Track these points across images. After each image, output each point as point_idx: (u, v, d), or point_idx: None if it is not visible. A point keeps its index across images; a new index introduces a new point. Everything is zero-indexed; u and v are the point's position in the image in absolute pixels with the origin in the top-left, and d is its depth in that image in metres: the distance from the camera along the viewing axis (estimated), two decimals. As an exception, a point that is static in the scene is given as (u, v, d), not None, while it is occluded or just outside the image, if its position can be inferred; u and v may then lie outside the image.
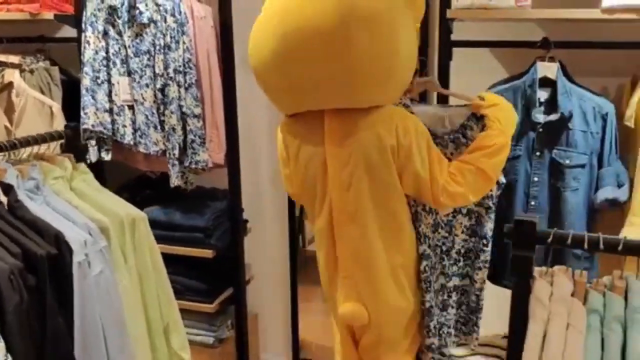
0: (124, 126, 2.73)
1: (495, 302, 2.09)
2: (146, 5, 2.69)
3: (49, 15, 2.86)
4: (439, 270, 1.94)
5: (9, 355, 1.34)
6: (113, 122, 2.75)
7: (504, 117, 1.87)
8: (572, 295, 1.25)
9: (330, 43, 1.57)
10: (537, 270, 1.28)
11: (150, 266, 1.84)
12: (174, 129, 2.64)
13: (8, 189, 1.63)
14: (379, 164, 1.67)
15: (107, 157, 2.78)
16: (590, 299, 1.25)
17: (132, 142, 2.74)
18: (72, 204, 1.75)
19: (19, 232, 1.54)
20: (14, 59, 2.91)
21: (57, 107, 2.79)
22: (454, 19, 2.46)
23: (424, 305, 1.87)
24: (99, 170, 3.06)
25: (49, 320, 1.48)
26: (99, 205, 1.80)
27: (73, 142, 1.97)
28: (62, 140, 1.97)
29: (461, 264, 1.97)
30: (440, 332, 1.95)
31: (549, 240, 1.23)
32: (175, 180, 2.67)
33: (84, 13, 2.76)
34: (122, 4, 2.72)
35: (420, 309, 1.88)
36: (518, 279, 1.26)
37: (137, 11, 2.68)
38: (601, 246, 1.19)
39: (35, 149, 1.92)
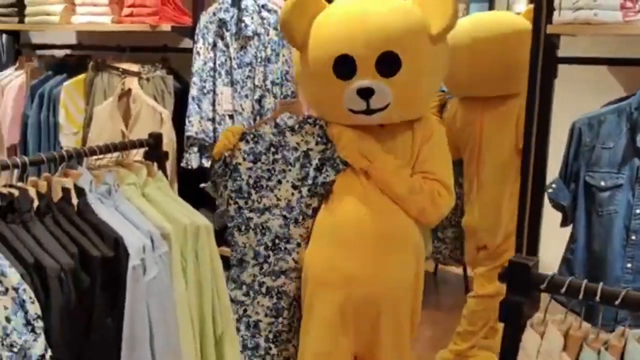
0: (224, 135, 2.84)
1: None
2: (252, 18, 2.78)
3: (166, 27, 3.05)
4: None
5: (49, 350, 1.44)
6: (214, 130, 2.88)
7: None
8: (565, 349, 1.13)
9: None
10: (536, 317, 1.17)
11: (209, 275, 1.89)
12: (267, 140, 2.71)
13: (80, 192, 1.75)
14: None
15: (207, 164, 2.91)
16: (582, 357, 1.11)
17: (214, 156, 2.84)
18: (141, 210, 1.84)
19: (81, 233, 1.65)
20: (135, 67, 3.13)
21: (166, 113, 2.97)
22: (557, 34, 2.30)
23: None
24: (203, 176, 3.22)
25: (95, 319, 1.57)
26: (166, 213, 1.87)
27: (155, 150, 2.07)
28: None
29: None
30: None
31: (543, 286, 1.12)
32: (264, 190, 2.73)
33: (198, 25, 2.91)
34: (232, 17, 2.84)
35: None
36: (508, 327, 1.16)
37: (243, 24, 2.78)
38: (597, 298, 1.07)
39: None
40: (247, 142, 2.10)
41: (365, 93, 1.93)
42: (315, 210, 2.08)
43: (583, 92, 2.55)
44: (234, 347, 1.95)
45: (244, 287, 2.14)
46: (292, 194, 2.08)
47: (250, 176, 2.09)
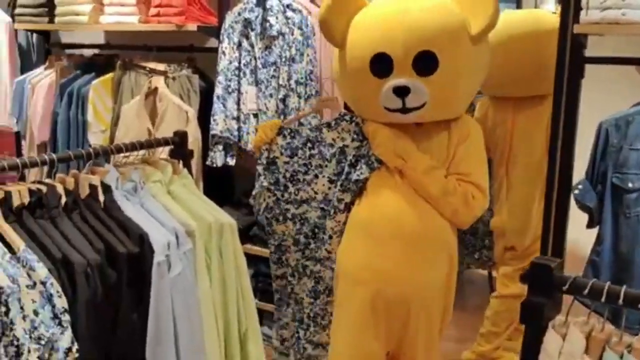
0: (248, 133, 2.86)
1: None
2: (277, 18, 2.79)
3: (192, 27, 3.07)
4: None
5: (75, 343, 1.46)
6: (239, 129, 2.89)
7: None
8: (587, 352, 1.11)
9: None
10: (557, 319, 1.15)
11: (233, 272, 1.91)
12: (291, 139, 2.73)
13: (107, 189, 1.78)
14: None
15: (231, 162, 2.93)
16: (604, 359, 1.10)
17: (253, 150, 2.85)
18: (166, 207, 1.87)
19: (108, 230, 1.68)
20: (161, 66, 3.16)
21: (192, 112, 2.99)
22: (585, 34, 2.27)
23: None
24: (228, 174, 3.25)
25: (121, 314, 1.60)
26: (191, 210, 1.90)
27: (180, 148, 2.10)
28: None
29: None
30: None
31: (565, 287, 1.11)
32: (288, 189, 2.74)
33: (223, 25, 2.93)
34: (257, 17, 2.85)
35: None
36: (529, 327, 1.15)
37: (268, 24, 2.80)
38: (620, 301, 1.05)
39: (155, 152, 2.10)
40: (284, 136, 2.17)
41: (401, 91, 1.93)
42: (347, 205, 2.11)
43: (611, 93, 2.52)
44: (258, 345, 1.97)
45: (289, 268, 2.25)
46: (329, 188, 2.14)
47: (287, 170, 2.17)
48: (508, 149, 2.65)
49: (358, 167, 2.06)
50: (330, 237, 2.15)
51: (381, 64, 1.94)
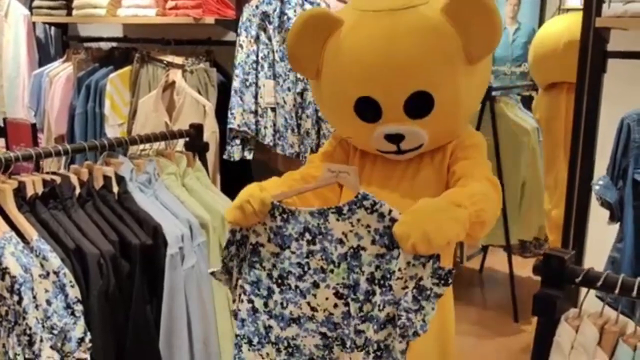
0: (266, 127, 2.85)
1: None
2: (294, 11, 2.77)
3: (210, 20, 3.07)
4: None
5: (88, 333, 1.46)
6: (257, 123, 2.88)
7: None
8: (600, 344, 1.10)
9: None
10: (572, 311, 1.14)
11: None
12: (308, 133, 2.70)
13: (121, 181, 1.77)
14: None
15: (249, 156, 2.92)
16: (617, 352, 1.08)
17: (271, 143, 2.84)
18: (180, 199, 1.86)
19: (121, 221, 1.68)
20: (179, 60, 3.16)
21: (209, 106, 2.98)
22: (607, 28, 2.23)
23: None
24: (246, 168, 3.24)
25: (134, 306, 1.59)
26: (205, 202, 1.89)
27: (196, 141, 2.08)
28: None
29: None
30: None
31: (578, 279, 1.09)
32: (305, 183, 2.72)
33: (241, 18, 2.92)
34: (274, 10, 2.83)
35: None
36: (542, 320, 1.14)
37: (286, 17, 2.78)
38: (634, 293, 1.03)
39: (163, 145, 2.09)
40: (274, 217, 1.46)
41: (395, 138, 1.61)
42: (368, 340, 1.36)
43: (633, 88, 2.47)
44: None
45: None
46: (335, 305, 1.42)
47: (274, 266, 1.46)
48: (562, 140, 2.69)
49: (385, 290, 1.34)
50: None
51: (367, 108, 1.59)
